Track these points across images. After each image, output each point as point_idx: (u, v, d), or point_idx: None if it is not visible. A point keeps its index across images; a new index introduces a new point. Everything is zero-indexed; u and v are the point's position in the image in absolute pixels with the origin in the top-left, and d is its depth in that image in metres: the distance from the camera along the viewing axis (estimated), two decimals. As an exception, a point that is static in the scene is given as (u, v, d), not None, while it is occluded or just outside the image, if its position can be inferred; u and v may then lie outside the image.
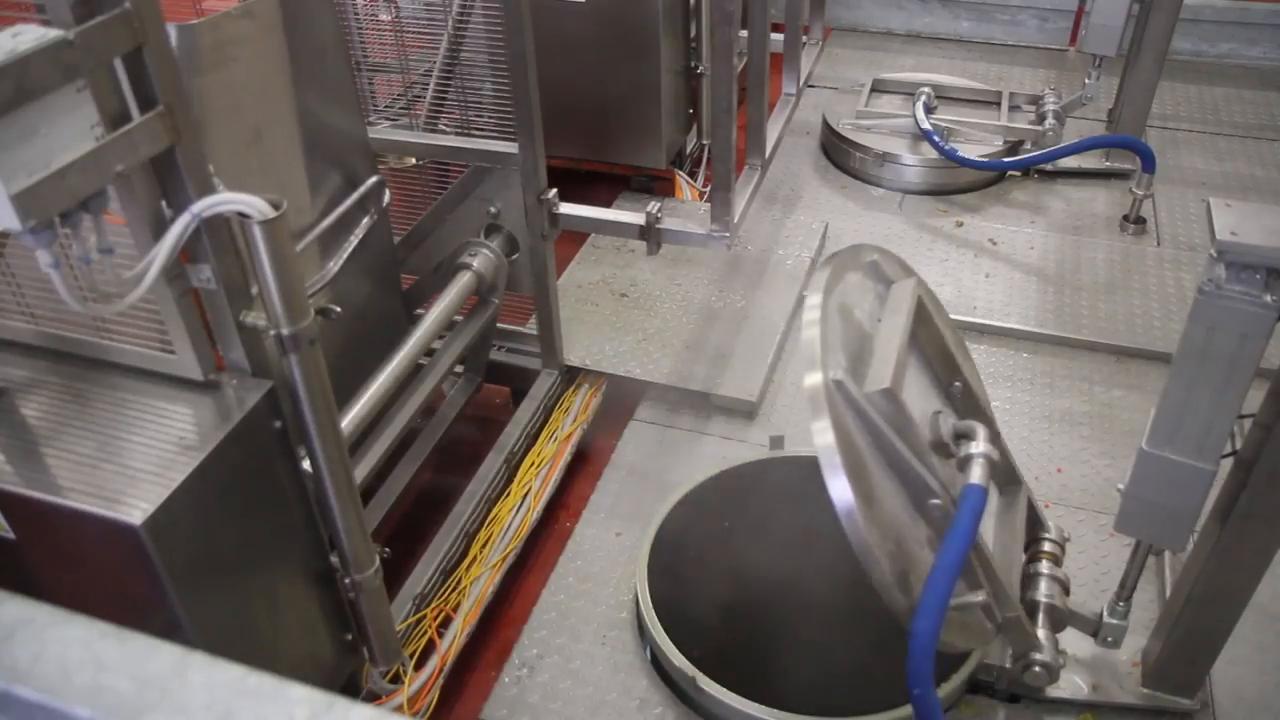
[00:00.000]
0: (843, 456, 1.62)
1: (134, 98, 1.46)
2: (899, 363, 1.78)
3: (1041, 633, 2.06)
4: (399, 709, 2.20)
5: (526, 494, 2.77)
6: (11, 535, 1.66)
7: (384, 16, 3.05)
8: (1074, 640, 2.22)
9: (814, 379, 1.69)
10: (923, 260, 3.70)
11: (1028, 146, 4.11)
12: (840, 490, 1.62)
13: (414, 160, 3.14)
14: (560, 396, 3.12)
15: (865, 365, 1.80)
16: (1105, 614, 2.15)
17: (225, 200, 1.50)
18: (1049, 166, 4.18)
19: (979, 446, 1.83)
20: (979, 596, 1.85)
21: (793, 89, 4.47)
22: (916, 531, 1.78)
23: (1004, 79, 4.87)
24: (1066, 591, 2.15)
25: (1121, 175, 4.16)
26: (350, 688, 2.21)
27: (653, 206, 2.85)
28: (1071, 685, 2.22)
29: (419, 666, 2.31)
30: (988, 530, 2.09)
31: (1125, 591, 2.12)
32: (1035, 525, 2.23)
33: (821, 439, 1.64)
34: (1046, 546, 2.20)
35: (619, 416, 3.11)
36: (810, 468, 2.72)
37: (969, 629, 1.90)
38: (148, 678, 0.56)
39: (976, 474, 1.79)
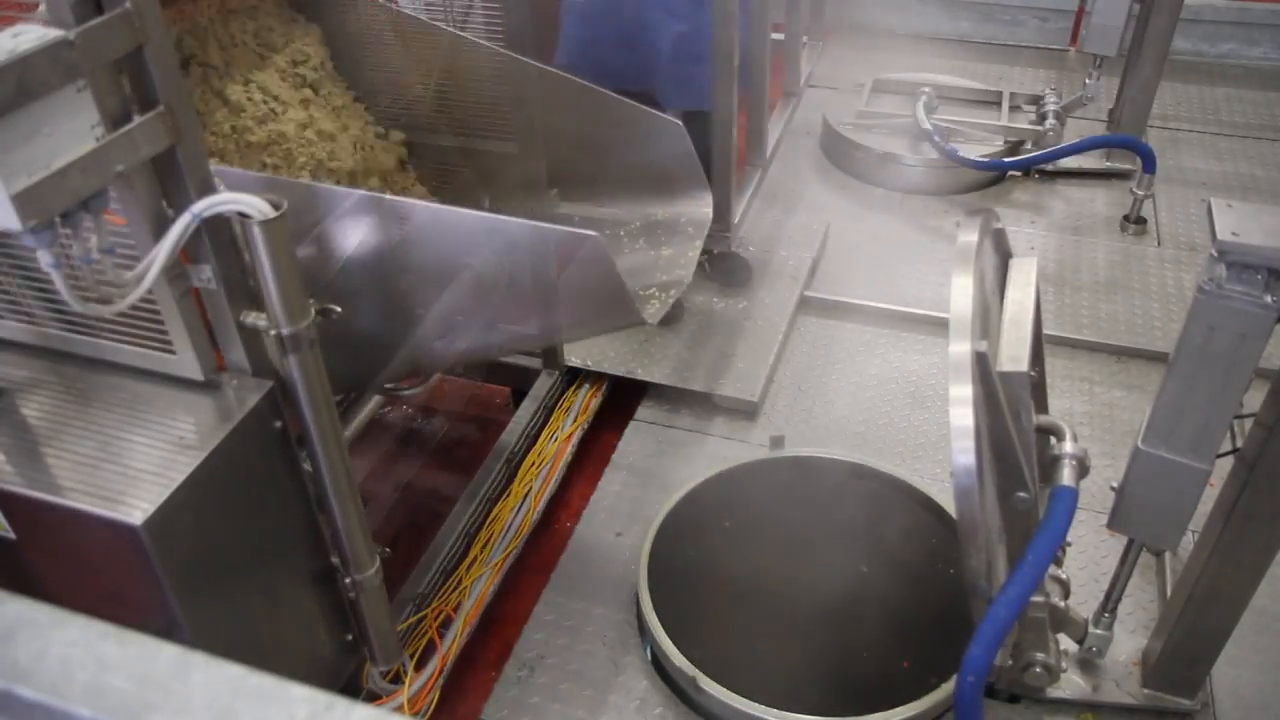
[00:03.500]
0: (975, 432, 1.60)
1: (134, 98, 1.46)
2: (1035, 346, 1.76)
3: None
4: (399, 709, 2.20)
5: (527, 494, 2.77)
6: (11, 535, 1.66)
7: (384, 16, 3.05)
8: (1074, 641, 2.22)
9: (961, 347, 1.63)
10: (923, 261, 3.70)
11: (1028, 146, 4.11)
12: (966, 465, 1.60)
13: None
14: (561, 397, 3.12)
15: (994, 340, 1.76)
16: (1090, 624, 2.15)
17: (226, 200, 1.50)
18: (1049, 166, 4.18)
19: (1068, 447, 1.83)
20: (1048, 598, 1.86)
21: (793, 89, 4.47)
22: (993, 520, 1.78)
23: (1004, 79, 4.87)
24: (1067, 593, 2.15)
25: (1122, 175, 4.16)
26: (350, 688, 2.21)
27: (653, 206, 2.85)
28: (1071, 685, 2.22)
29: (419, 667, 2.31)
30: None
31: (1110, 603, 2.12)
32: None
33: (959, 409, 1.61)
34: (1047, 547, 2.20)
35: (619, 416, 3.11)
36: (810, 468, 2.74)
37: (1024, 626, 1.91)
38: (149, 678, 0.56)
39: (1068, 476, 1.79)
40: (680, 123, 2.44)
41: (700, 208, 2.53)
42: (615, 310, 1.97)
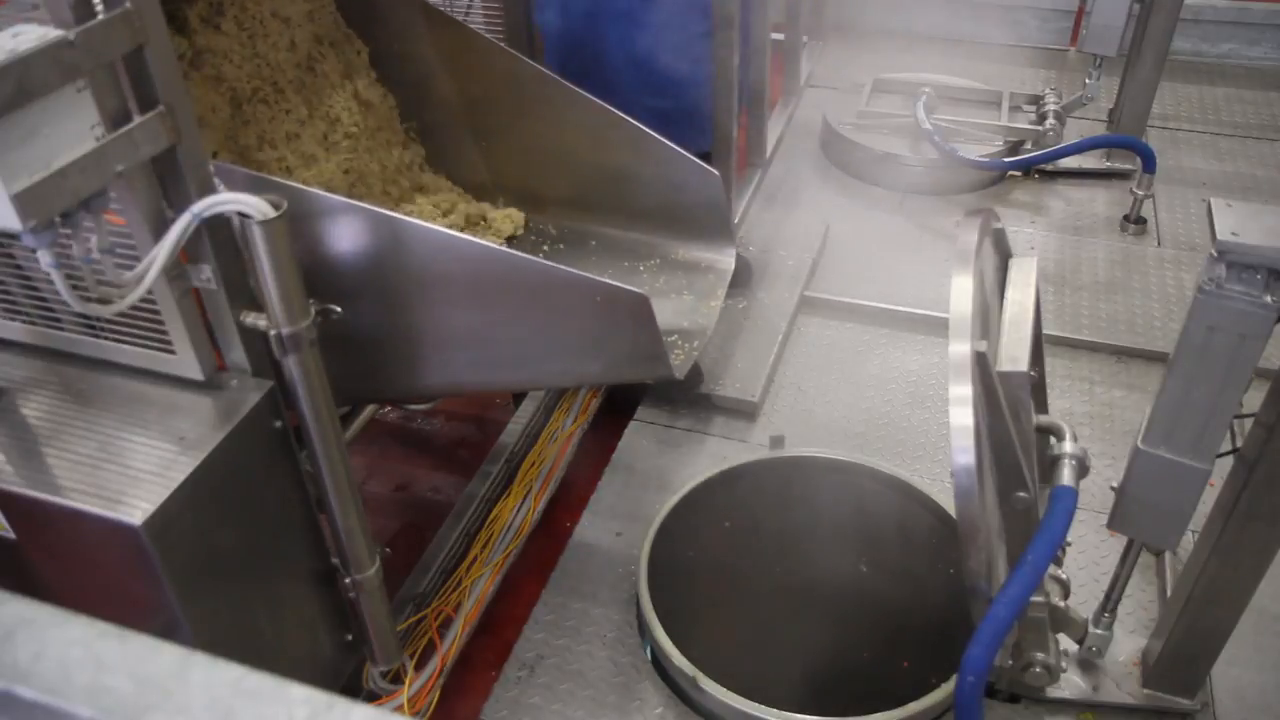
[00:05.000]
0: (975, 431, 1.60)
1: (134, 98, 1.46)
2: (1035, 346, 1.76)
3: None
4: (399, 709, 2.20)
5: (527, 494, 2.77)
6: (11, 535, 1.66)
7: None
8: (1074, 641, 2.22)
9: (961, 347, 1.63)
10: (923, 261, 3.69)
11: (1028, 146, 4.11)
12: (966, 465, 1.60)
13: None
14: (560, 396, 3.12)
15: (994, 340, 1.76)
16: (1090, 624, 2.15)
17: (225, 200, 1.50)
18: (1049, 166, 4.18)
19: (1068, 447, 1.83)
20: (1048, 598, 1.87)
21: (793, 89, 4.48)
22: (993, 520, 1.79)
23: (1004, 79, 4.86)
24: (1067, 593, 2.15)
25: (1122, 175, 4.16)
26: (350, 688, 2.21)
27: (653, 207, 2.85)
28: (1071, 685, 2.22)
29: (419, 667, 2.31)
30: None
31: (1110, 603, 2.12)
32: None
33: (959, 409, 1.61)
34: (1047, 547, 2.20)
35: (619, 416, 3.11)
36: (810, 468, 2.74)
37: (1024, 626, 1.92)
38: (148, 678, 0.56)
39: (1067, 476, 1.79)
40: (717, 173, 2.44)
41: (723, 258, 2.54)
42: (647, 364, 1.97)
